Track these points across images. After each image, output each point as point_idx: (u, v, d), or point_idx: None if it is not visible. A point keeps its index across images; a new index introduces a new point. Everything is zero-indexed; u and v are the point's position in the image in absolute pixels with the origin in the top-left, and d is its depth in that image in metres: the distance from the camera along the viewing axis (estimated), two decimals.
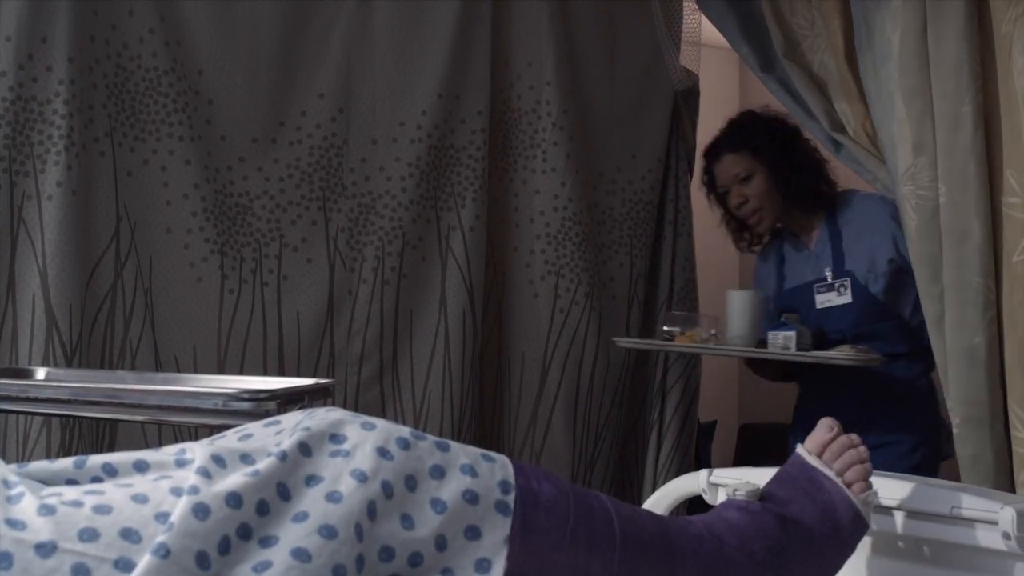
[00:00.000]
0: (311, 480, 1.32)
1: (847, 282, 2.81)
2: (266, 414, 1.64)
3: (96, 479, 1.33)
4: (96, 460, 1.35)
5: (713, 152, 3.00)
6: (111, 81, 2.75)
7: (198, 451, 1.33)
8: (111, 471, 1.34)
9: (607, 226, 3.35)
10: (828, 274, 2.84)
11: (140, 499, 1.25)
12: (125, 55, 2.77)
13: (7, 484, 1.23)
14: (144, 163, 2.78)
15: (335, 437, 1.38)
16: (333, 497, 1.31)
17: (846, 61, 2.63)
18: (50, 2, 2.60)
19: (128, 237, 2.75)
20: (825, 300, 2.84)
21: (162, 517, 1.23)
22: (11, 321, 2.56)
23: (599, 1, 3.31)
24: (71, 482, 1.33)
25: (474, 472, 1.41)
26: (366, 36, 3.00)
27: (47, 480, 1.33)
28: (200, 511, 1.22)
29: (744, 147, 2.94)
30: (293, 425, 1.40)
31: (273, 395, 1.72)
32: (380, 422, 1.42)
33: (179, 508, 1.22)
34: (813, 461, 1.73)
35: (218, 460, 1.31)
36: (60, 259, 2.57)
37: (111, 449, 2.62)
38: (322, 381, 1.96)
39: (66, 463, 1.35)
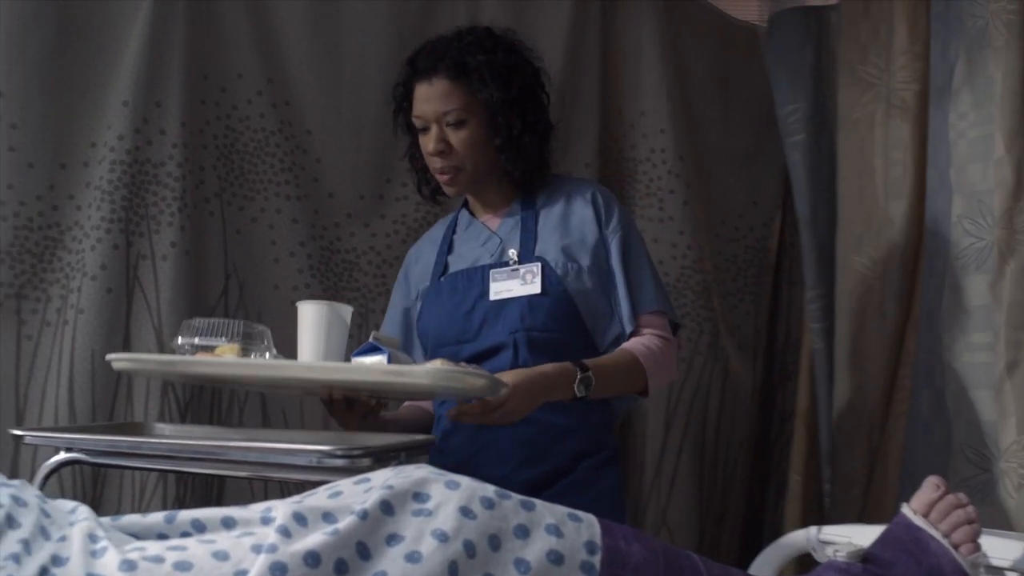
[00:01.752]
0: (392, 539, 1.33)
1: (537, 268, 2.23)
2: (361, 471, 1.65)
3: (185, 534, 1.36)
4: (186, 515, 1.38)
5: (423, 67, 2.29)
6: (221, 142, 2.83)
7: (281, 509, 1.35)
8: (200, 527, 1.37)
9: (731, 274, 3.29)
10: (513, 255, 2.28)
11: (221, 556, 1.27)
12: (235, 116, 2.85)
13: (93, 538, 1.26)
14: (252, 221, 2.86)
15: (419, 496, 1.38)
16: (413, 557, 1.31)
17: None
18: (164, 68, 2.70)
19: (236, 294, 2.82)
20: (503, 289, 2.25)
21: (241, 575, 1.25)
22: (128, 378, 2.64)
23: (712, 47, 3.28)
24: (161, 536, 1.36)
25: (559, 532, 1.40)
26: None
27: (139, 534, 1.36)
28: (277, 570, 1.24)
29: (467, 78, 2.25)
30: (381, 483, 1.41)
31: (367, 452, 1.73)
32: (465, 480, 1.42)
33: (256, 566, 1.24)
34: (919, 521, 1.67)
35: (299, 518, 1.32)
36: (174, 317, 2.64)
37: (220, 503, 2.67)
38: (419, 437, 1.97)
39: (157, 517, 1.38)
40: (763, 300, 3.31)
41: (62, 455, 1.94)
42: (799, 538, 2.06)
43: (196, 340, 2.00)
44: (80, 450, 1.92)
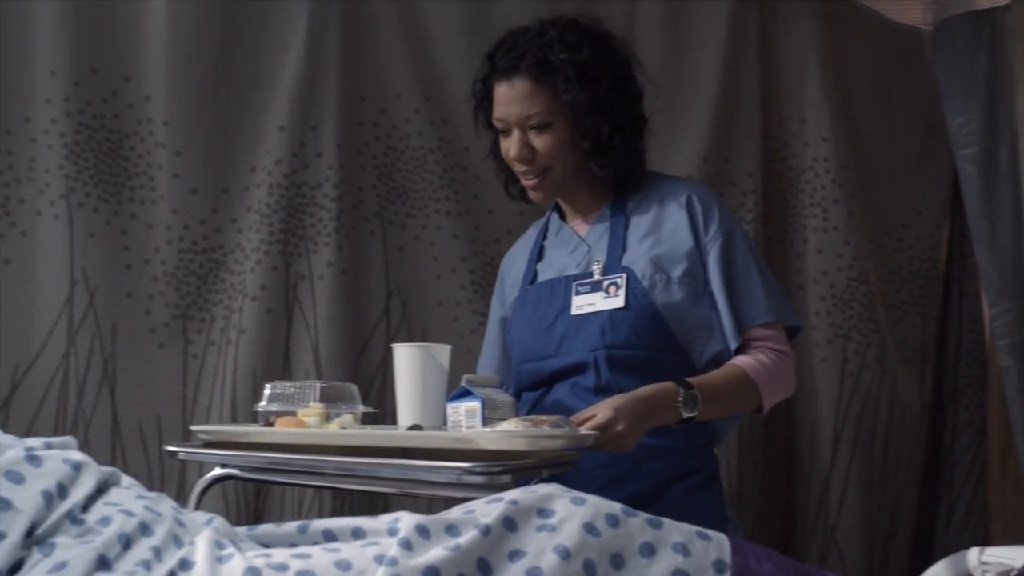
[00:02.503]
0: (514, 555, 1.32)
1: (622, 280, 2.08)
2: (501, 487, 1.65)
3: (316, 543, 1.38)
4: (318, 525, 1.41)
5: (503, 66, 2.13)
6: (380, 162, 2.88)
7: (406, 520, 1.35)
8: (330, 536, 1.39)
9: (896, 285, 3.17)
10: (596, 268, 2.14)
11: (343, 566, 1.28)
12: (394, 136, 2.89)
13: (220, 545, 1.29)
14: (415, 239, 2.89)
15: (543, 512, 1.37)
16: (534, 572, 1.30)
17: None
18: (319, 93, 2.77)
19: (399, 312, 2.86)
20: (585, 303, 2.10)
21: None
22: None
23: (873, 52, 3.17)
24: (294, 545, 1.38)
25: (687, 551, 1.37)
26: None
27: (272, 543, 1.39)
28: None
29: (551, 78, 2.08)
30: (507, 499, 1.41)
31: (507, 468, 1.72)
32: (592, 497, 1.40)
33: None
34: None
35: (422, 531, 1.33)
36: (331, 335, 2.71)
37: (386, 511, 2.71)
38: (556, 444, 1.93)
39: (291, 527, 1.41)
40: (931, 312, 3.18)
41: (218, 471, 2.00)
42: (961, 561, 1.96)
43: (275, 407, 1.99)
44: (234, 466, 1.98)
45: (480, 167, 2.92)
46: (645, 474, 2.04)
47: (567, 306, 2.14)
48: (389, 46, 2.89)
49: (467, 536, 1.31)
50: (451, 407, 1.85)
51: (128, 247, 2.72)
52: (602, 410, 1.84)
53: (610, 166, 2.14)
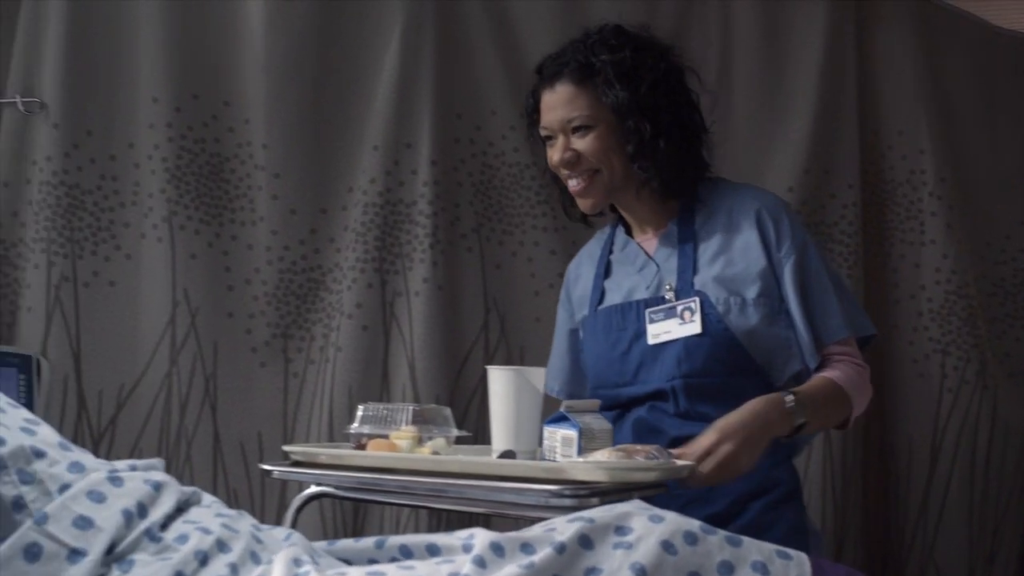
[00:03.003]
0: (590, 573, 1.31)
1: (695, 304, 2.03)
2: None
3: (394, 559, 1.39)
4: (394, 541, 1.41)
5: (547, 74, 2.14)
6: (477, 179, 2.89)
7: (481, 537, 1.35)
8: (407, 552, 1.40)
9: (998, 298, 3.09)
10: (668, 292, 2.09)
11: None
12: (490, 153, 2.90)
13: (297, 562, 1.31)
14: (512, 255, 2.90)
15: (620, 529, 1.36)
16: None
17: None
18: (413, 111, 2.79)
19: (498, 329, 2.87)
20: (661, 331, 2.05)
21: None
22: None
23: (974, 60, 3.10)
24: (372, 561, 1.39)
25: (766, 570, 1.35)
26: (726, 110, 2.96)
27: (351, 558, 1.41)
28: None
29: (592, 81, 2.07)
30: (585, 516, 1.40)
31: (595, 491, 1.71)
32: (670, 515, 1.39)
33: None
34: None
35: (496, 548, 1.32)
36: (427, 352, 2.72)
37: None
38: (650, 477, 1.90)
39: (368, 543, 1.42)
40: None
41: (313, 488, 2.02)
42: None
43: (367, 428, 1.98)
44: (329, 485, 2.00)
45: None
46: (723, 493, 2.00)
47: (641, 333, 2.10)
48: (485, 64, 2.90)
49: (541, 554, 1.31)
50: (548, 430, 1.82)
51: (229, 268, 2.77)
52: (705, 435, 1.81)
53: (652, 169, 2.08)
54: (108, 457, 2.62)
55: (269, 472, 2.00)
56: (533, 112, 2.19)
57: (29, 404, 2.54)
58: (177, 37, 2.75)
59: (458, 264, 2.83)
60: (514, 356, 2.86)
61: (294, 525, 2.05)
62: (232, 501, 2.71)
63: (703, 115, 2.21)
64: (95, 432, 2.67)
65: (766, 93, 2.97)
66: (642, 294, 2.14)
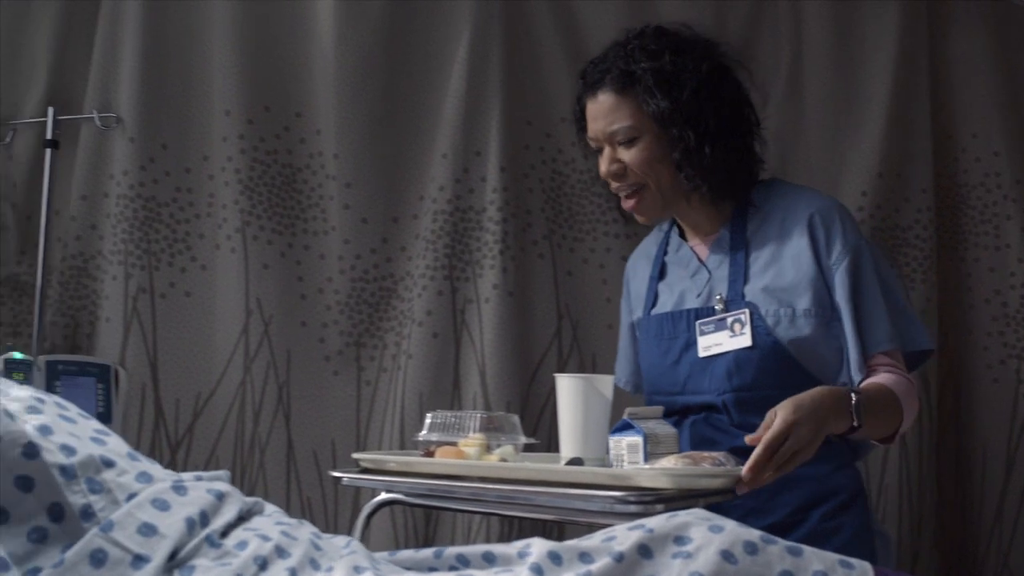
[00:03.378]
0: None
1: (745, 316, 1.99)
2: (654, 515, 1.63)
3: (452, 567, 1.40)
4: (452, 551, 1.42)
5: (590, 81, 2.09)
6: (547, 186, 2.88)
7: (538, 546, 1.35)
8: (464, 561, 1.40)
9: None
10: (718, 303, 2.05)
11: None
12: (560, 160, 2.90)
13: (358, 570, 1.32)
14: (583, 262, 2.88)
15: (680, 539, 1.34)
16: None
17: None
18: (482, 119, 2.79)
19: (570, 335, 2.85)
20: (711, 344, 2.02)
21: None
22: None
23: None
24: (432, 569, 1.40)
25: None
26: (798, 116, 2.93)
27: (412, 567, 1.41)
28: None
29: (633, 89, 2.02)
30: (644, 525, 1.39)
31: (660, 498, 1.70)
32: (730, 524, 1.37)
33: None
34: None
35: (554, 557, 1.32)
36: (498, 359, 2.71)
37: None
38: (716, 483, 1.87)
39: (427, 553, 1.42)
40: None
41: (383, 495, 2.04)
42: None
43: (435, 436, 1.97)
44: (399, 492, 2.01)
45: None
46: (782, 504, 1.96)
47: (691, 344, 2.07)
48: (554, 70, 2.89)
49: (599, 563, 1.30)
50: (613, 440, 1.80)
51: (302, 277, 2.79)
52: (776, 423, 1.71)
53: (698, 177, 2.03)
54: (185, 465, 2.67)
55: (339, 479, 2.01)
56: (581, 119, 2.15)
57: (107, 413, 2.59)
58: (249, 51, 2.78)
59: (529, 271, 2.82)
60: (587, 363, 2.84)
61: (365, 532, 2.07)
62: (306, 509, 2.73)
63: (755, 110, 2.15)
64: (172, 441, 2.71)
65: (838, 95, 2.91)
66: (693, 302, 2.11)
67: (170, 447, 2.70)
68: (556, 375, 1.94)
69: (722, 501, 1.79)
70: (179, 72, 2.80)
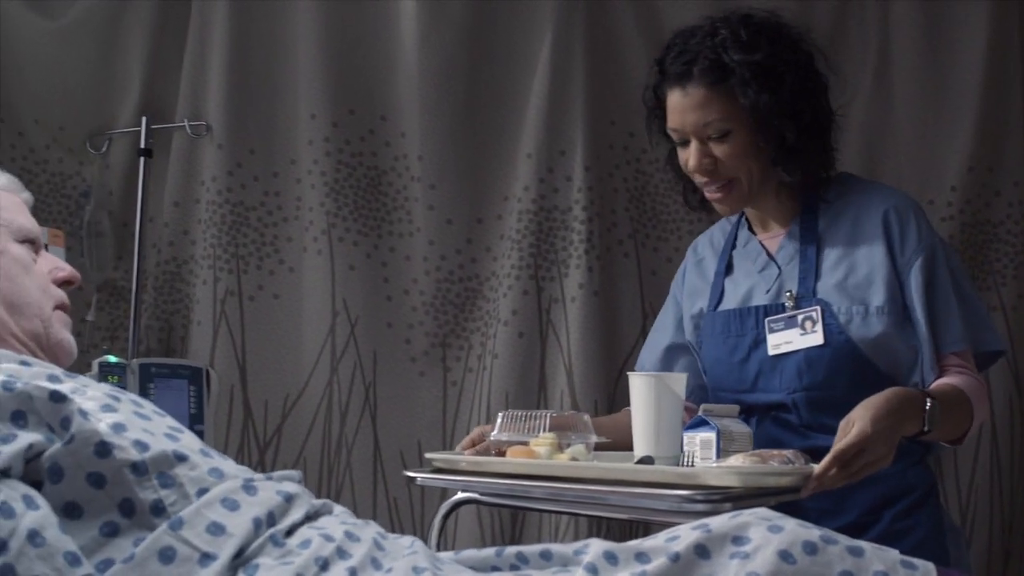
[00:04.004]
0: None
1: (817, 313, 1.91)
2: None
3: (513, 566, 1.40)
4: (512, 550, 1.41)
5: (674, 72, 1.96)
6: (631, 185, 2.86)
7: (595, 546, 1.34)
8: (523, 559, 1.39)
9: None
10: (788, 300, 1.95)
11: None
12: (644, 159, 2.87)
13: (417, 570, 1.32)
14: (667, 261, 2.84)
15: (738, 539, 1.32)
16: None
17: None
18: (566, 118, 2.77)
19: None
20: (781, 341, 1.94)
21: None
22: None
23: None
24: (495, 568, 1.40)
25: None
26: (886, 110, 2.85)
27: (475, 566, 1.41)
28: None
29: (726, 83, 1.91)
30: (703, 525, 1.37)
31: (727, 496, 1.68)
32: (790, 524, 1.34)
33: None
34: None
35: (610, 557, 1.30)
36: (584, 358, 2.69)
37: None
38: (784, 481, 1.84)
39: (489, 552, 1.42)
40: None
41: (459, 495, 2.05)
42: None
43: (504, 436, 1.93)
44: (477, 491, 2.02)
45: None
46: (854, 505, 1.89)
47: (760, 341, 1.99)
48: (637, 70, 2.83)
49: (655, 563, 1.28)
50: (687, 436, 1.76)
51: (388, 279, 2.82)
52: (852, 434, 1.65)
53: (798, 171, 1.95)
54: (274, 465, 2.71)
55: (412, 479, 2.03)
56: (656, 108, 2.05)
57: (199, 414, 2.64)
58: (333, 55, 2.81)
59: (614, 270, 2.80)
60: None
61: (442, 531, 2.08)
62: (392, 509, 2.75)
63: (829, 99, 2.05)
64: (261, 441, 2.75)
65: (927, 88, 2.81)
66: (761, 298, 2.02)
67: (259, 447, 2.74)
68: (629, 373, 1.90)
69: (791, 500, 1.77)
70: (265, 79, 2.85)
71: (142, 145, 2.83)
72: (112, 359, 2.55)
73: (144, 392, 2.55)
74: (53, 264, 1.62)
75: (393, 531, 2.62)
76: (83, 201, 2.90)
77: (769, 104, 1.89)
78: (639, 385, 1.86)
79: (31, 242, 1.58)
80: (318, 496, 2.28)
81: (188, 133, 2.83)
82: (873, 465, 1.66)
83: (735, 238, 2.14)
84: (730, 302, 2.08)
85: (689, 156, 1.97)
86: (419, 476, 2.03)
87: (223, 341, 2.76)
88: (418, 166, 2.82)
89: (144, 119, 2.84)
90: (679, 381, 1.85)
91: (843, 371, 1.90)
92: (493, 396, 2.71)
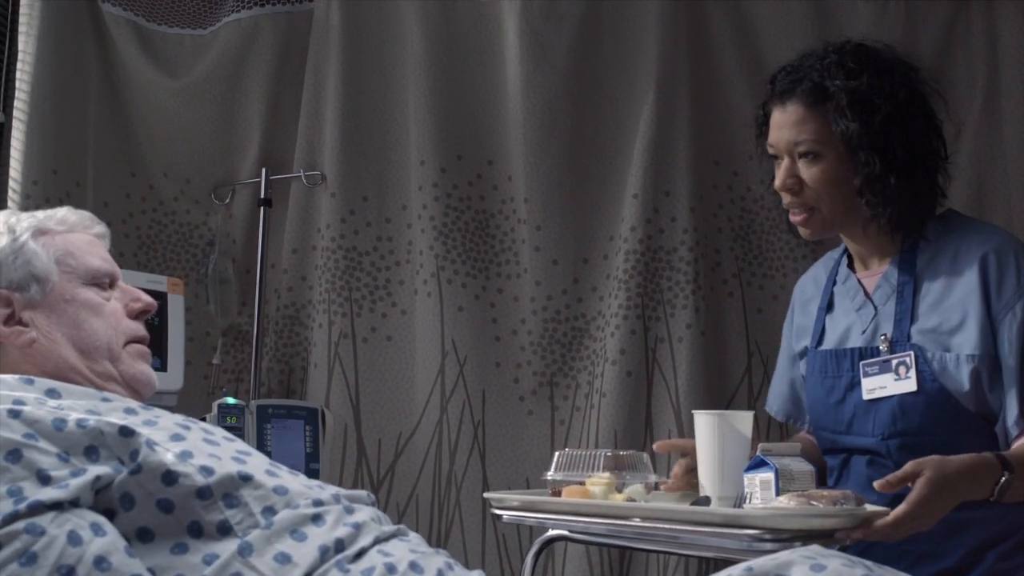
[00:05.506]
0: None
1: (910, 359, 1.85)
2: None
3: None
4: None
5: (780, 89, 1.98)
6: (736, 224, 2.86)
7: None
8: None
9: None
10: (883, 343, 1.90)
11: None
12: (748, 197, 2.87)
13: None
14: (773, 299, 2.84)
15: None
16: None
17: None
18: (671, 159, 2.80)
19: (760, 373, 2.79)
20: (876, 386, 1.89)
21: None
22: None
23: None
24: None
25: None
26: (995, 141, 2.80)
27: None
28: None
29: (824, 106, 1.91)
30: (745, 566, 1.40)
31: (797, 535, 1.68)
32: (833, 563, 1.35)
33: None
34: None
35: None
36: (692, 397, 2.69)
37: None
38: (828, 523, 1.79)
39: None
40: None
41: (550, 532, 2.10)
42: None
43: (559, 475, 1.93)
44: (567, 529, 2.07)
45: None
46: (956, 547, 1.83)
47: (855, 384, 1.96)
48: (740, 110, 2.84)
49: None
50: (747, 477, 1.73)
51: (496, 319, 2.86)
52: (912, 500, 1.63)
53: (880, 206, 1.91)
54: (387, 504, 2.80)
55: (499, 516, 2.08)
56: (763, 123, 2.05)
57: (315, 453, 2.73)
58: (440, 104, 2.88)
59: (720, 309, 2.80)
60: None
61: (534, 568, 2.13)
62: (501, 546, 2.77)
63: (945, 142, 2.02)
64: (375, 478, 2.81)
65: None
66: (856, 339, 2.00)
67: (372, 485, 2.80)
68: (694, 412, 1.88)
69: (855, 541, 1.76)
70: (376, 129, 2.94)
71: (262, 195, 2.95)
72: (230, 401, 2.67)
73: (261, 432, 2.66)
74: (130, 296, 1.67)
75: (501, 569, 2.71)
76: (208, 250, 3.03)
77: (859, 133, 1.88)
78: (703, 424, 1.84)
79: (102, 281, 1.64)
80: (430, 533, 2.38)
81: (304, 183, 2.96)
82: (915, 530, 1.65)
83: (836, 273, 2.11)
84: (829, 341, 2.06)
85: (778, 173, 1.98)
86: (505, 513, 2.08)
87: (338, 382, 2.84)
88: (524, 208, 2.86)
89: (264, 170, 2.96)
90: (744, 420, 1.83)
91: (937, 418, 1.85)
92: (601, 434, 2.71)
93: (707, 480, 1.87)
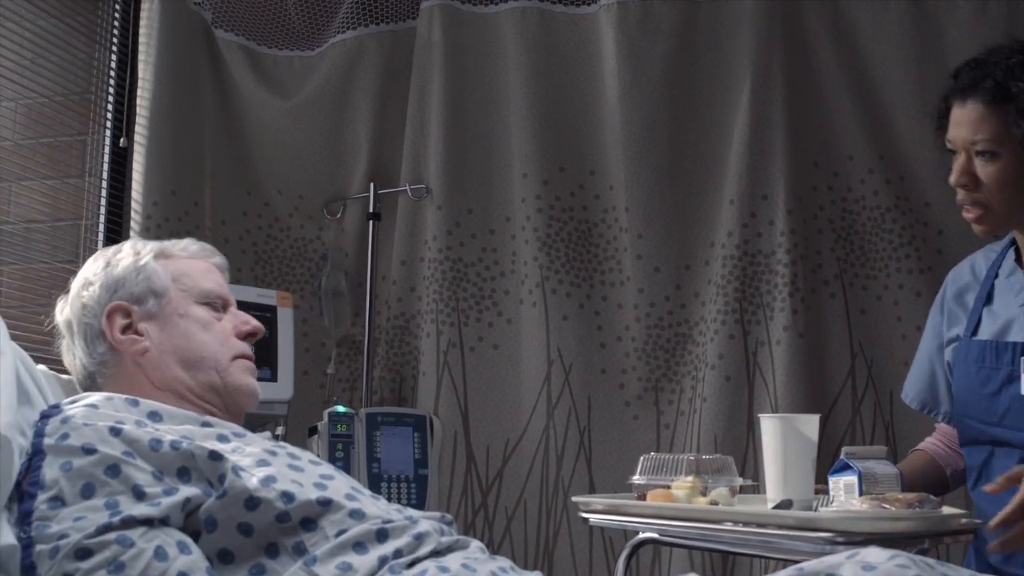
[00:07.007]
0: None
1: None
2: None
3: None
4: None
5: (961, 85, 1.93)
6: (837, 225, 2.86)
7: None
8: None
9: None
10: None
11: None
12: (849, 198, 2.86)
13: None
14: (876, 300, 2.84)
15: None
16: None
17: None
18: (766, 163, 2.82)
19: (865, 374, 2.80)
20: None
21: None
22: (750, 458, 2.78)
23: None
24: None
25: None
26: None
27: None
28: None
29: (1005, 106, 1.85)
30: (799, 565, 1.44)
31: (871, 537, 1.68)
32: (884, 565, 1.39)
33: None
34: None
35: None
36: (792, 400, 2.70)
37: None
38: (899, 527, 1.70)
39: None
40: None
41: (641, 536, 2.17)
42: None
43: (643, 479, 1.98)
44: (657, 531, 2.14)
45: (943, 221, 2.80)
46: None
47: (1013, 378, 1.93)
48: (838, 110, 2.87)
49: None
50: (832, 481, 1.77)
51: (601, 327, 2.91)
52: (1017, 500, 1.63)
53: None
54: (495, 508, 2.87)
55: (586, 520, 2.15)
56: (943, 117, 2.01)
57: (423, 459, 2.84)
58: (541, 117, 2.95)
59: (820, 311, 2.81)
60: (883, 400, 2.77)
61: (627, 570, 2.20)
62: (608, 550, 2.82)
63: None
64: (483, 484, 2.89)
65: None
66: (1018, 334, 1.97)
67: (481, 490, 2.89)
68: (760, 415, 1.91)
69: (953, 541, 1.78)
70: (479, 143, 3.01)
71: (371, 209, 3.05)
72: (340, 409, 2.80)
73: (370, 439, 2.78)
74: (240, 320, 1.77)
75: (609, 573, 2.77)
76: (322, 264, 3.14)
77: None
78: (768, 427, 1.86)
79: (214, 302, 1.76)
80: (538, 538, 2.46)
81: (410, 196, 3.06)
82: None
83: (999, 267, 2.09)
84: (986, 332, 2.03)
85: (953, 169, 1.95)
86: (592, 517, 2.16)
87: (446, 390, 2.93)
88: (625, 217, 2.91)
89: (372, 185, 3.07)
90: (809, 423, 1.84)
91: None
92: (703, 439, 2.74)
93: (773, 484, 1.89)
